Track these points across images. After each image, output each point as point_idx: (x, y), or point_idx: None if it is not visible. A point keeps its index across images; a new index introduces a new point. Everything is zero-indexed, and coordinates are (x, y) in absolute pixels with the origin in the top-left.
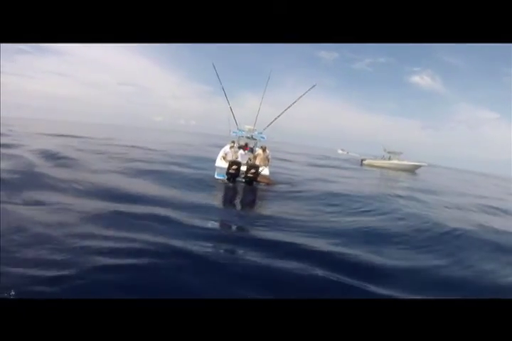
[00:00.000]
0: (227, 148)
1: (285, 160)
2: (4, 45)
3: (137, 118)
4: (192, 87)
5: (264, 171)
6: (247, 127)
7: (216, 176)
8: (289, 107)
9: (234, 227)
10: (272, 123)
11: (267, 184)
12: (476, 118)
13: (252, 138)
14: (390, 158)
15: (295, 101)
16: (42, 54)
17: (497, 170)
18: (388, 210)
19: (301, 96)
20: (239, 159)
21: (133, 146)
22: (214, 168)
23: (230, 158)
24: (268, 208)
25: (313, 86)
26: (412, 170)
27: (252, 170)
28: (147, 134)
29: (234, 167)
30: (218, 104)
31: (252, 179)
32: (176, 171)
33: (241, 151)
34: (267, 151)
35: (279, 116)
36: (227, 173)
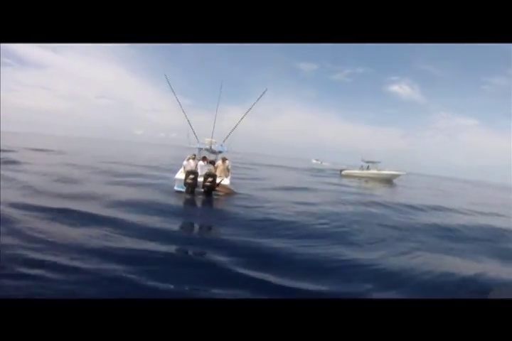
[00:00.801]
0: (185, 161)
1: (249, 168)
2: None
3: (117, 131)
4: (172, 100)
5: (224, 181)
6: (207, 140)
7: (175, 188)
8: (243, 117)
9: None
10: (229, 135)
11: (227, 194)
12: (456, 126)
13: (210, 150)
14: (368, 168)
15: (248, 110)
16: (22, 66)
17: (476, 176)
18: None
19: (254, 104)
20: (198, 170)
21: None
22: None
23: (209, 169)
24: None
25: (265, 91)
26: (390, 180)
27: (209, 179)
28: (127, 147)
29: (191, 177)
30: (199, 116)
31: (210, 188)
32: (140, 182)
33: (200, 162)
34: (227, 162)
35: (235, 128)
36: (185, 183)
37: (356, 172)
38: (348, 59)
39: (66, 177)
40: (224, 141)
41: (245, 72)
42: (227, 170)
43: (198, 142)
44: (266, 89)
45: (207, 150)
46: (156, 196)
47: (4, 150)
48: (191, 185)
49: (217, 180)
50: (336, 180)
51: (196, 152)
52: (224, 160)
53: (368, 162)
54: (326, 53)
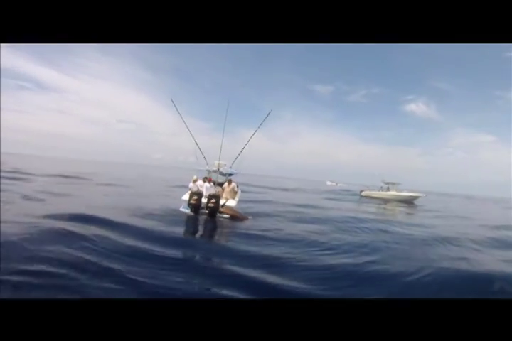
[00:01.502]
0: (191, 183)
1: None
2: (4, 81)
3: (137, 155)
4: (191, 123)
5: (230, 203)
6: (217, 162)
7: (181, 209)
8: (250, 139)
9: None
10: (237, 157)
11: (232, 216)
12: (473, 143)
13: (219, 172)
14: (388, 189)
15: (255, 132)
16: (42, 91)
17: (498, 193)
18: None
19: (259, 126)
20: (204, 191)
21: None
22: None
23: (211, 191)
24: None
25: (269, 113)
26: (410, 201)
27: (213, 200)
28: (146, 170)
29: (194, 197)
30: (218, 140)
31: (214, 209)
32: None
33: (206, 184)
34: (233, 184)
35: (242, 150)
36: (189, 204)
37: (376, 193)
38: (362, 79)
39: None
40: (233, 163)
41: (262, 95)
42: (234, 191)
43: (208, 164)
44: (270, 111)
45: (214, 172)
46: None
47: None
48: (194, 206)
49: (221, 202)
50: (351, 205)
51: (205, 174)
52: (230, 182)
53: (387, 183)
54: (341, 74)
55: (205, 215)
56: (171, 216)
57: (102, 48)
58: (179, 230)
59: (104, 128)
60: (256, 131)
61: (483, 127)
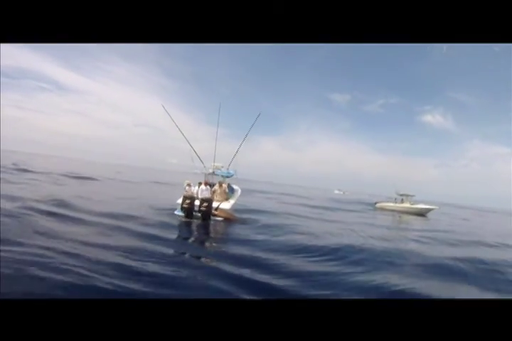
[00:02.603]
0: (202, 186)
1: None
2: (21, 82)
3: (153, 159)
4: (208, 129)
5: (224, 205)
6: (214, 165)
7: (175, 212)
8: (243, 141)
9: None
10: (233, 159)
11: (226, 218)
12: (489, 154)
13: (213, 174)
14: (402, 201)
15: (247, 134)
16: (61, 92)
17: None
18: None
19: (250, 128)
20: (199, 194)
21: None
22: None
23: (203, 195)
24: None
25: (259, 115)
26: (423, 213)
27: (205, 204)
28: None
29: (187, 201)
30: (234, 145)
31: (206, 212)
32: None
33: (202, 187)
34: (224, 186)
35: (237, 152)
36: (182, 208)
37: (390, 205)
38: (380, 89)
39: None
40: (229, 166)
41: (279, 104)
42: (225, 193)
43: (205, 167)
44: (259, 114)
45: (210, 174)
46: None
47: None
48: (187, 210)
49: (215, 205)
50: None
51: (203, 177)
52: (221, 184)
53: (401, 195)
54: (359, 83)
55: (199, 219)
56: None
57: (123, 53)
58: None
59: (121, 131)
60: (247, 135)
61: (499, 139)
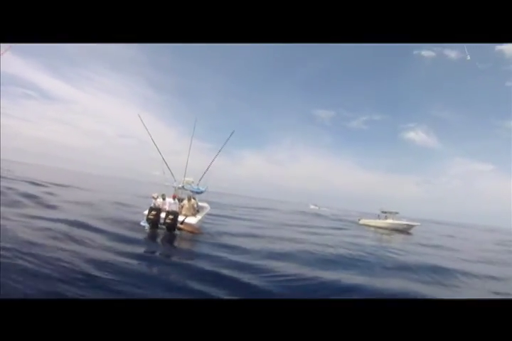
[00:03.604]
0: (170, 199)
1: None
2: (7, 88)
3: (136, 171)
4: (189, 142)
5: (190, 220)
6: (186, 179)
7: (141, 223)
8: (216, 156)
9: None
10: (204, 174)
11: (190, 232)
12: (471, 171)
13: (183, 188)
14: (386, 218)
15: (220, 150)
16: (46, 100)
17: (495, 222)
18: None
19: (223, 145)
20: (167, 207)
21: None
22: None
23: (171, 208)
24: None
25: (232, 132)
26: (406, 230)
27: (170, 216)
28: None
29: (152, 213)
30: (218, 160)
31: (171, 225)
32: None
33: (170, 200)
34: (192, 200)
35: (208, 168)
36: (147, 219)
37: (372, 221)
38: (365, 106)
39: None
40: (200, 181)
41: (263, 118)
42: (193, 208)
43: (175, 181)
44: (233, 131)
45: (180, 188)
46: None
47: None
48: (153, 221)
49: (180, 219)
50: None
51: (172, 190)
52: (189, 198)
53: (385, 212)
54: (344, 100)
55: (163, 230)
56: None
57: (110, 63)
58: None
59: (105, 142)
60: (220, 150)
61: (481, 156)
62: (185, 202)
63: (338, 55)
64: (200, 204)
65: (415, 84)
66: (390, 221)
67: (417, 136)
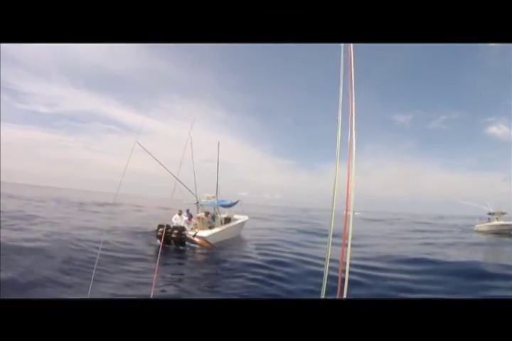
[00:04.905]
0: (176, 215)
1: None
2: (90, 125)
3: (223, 193)
4: (274, 161)
5: (202, 233)
6: (206, 195)
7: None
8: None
9: None
10: (217, 188)
11: (201, 245)
12: None
13: (198, 204)
14: (497, 219)
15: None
16: (126, 132)
17: None
18: None
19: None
20: (182, 223)
21: None
22: None
23: (176, 223)
24: None
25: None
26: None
27: (175, 231)
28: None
29: (160, 229)
30: (302, 175)
31: (176, 239)
32: None
33: (176, 216)
34: (209, 216)
35: (217, 182)
36: (157, 235)
37: (487, 225)
38: (440, 105)
39: None
40: (217, 195)
41: (342, 127)
42: (208, 222)
43: (197, 198)
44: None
45: (195, 204)
46: None
47: None
48: (159, 237)
49: (191, 233)
50: None
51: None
52: (206, 214)
53: (492, 214)
54: (419, 101)
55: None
56: None
57: (183, 92)
58: None
59: (187, 167)
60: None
61: None
62: (203, 215)
63: (404, 56)
64: (236, 216)
65: (486, 76)
66: (501, 222)
67: (498, 130)
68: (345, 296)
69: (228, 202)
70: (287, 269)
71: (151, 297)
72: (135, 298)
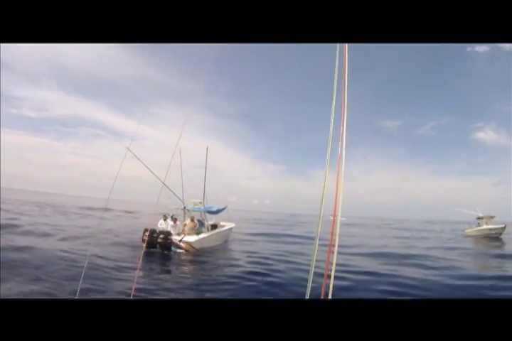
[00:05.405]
0: (161, 220)
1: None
2: (79, 130)
3: (212, 199)
4: (263, 166)
5: (188, 238)
6: (193, 201)
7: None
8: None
9: None
10: (204, 196)
11: (186, 250)
12: None
13: (185, 209)
14: (487, 223)
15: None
16: (116, 138)
17: None
18: None
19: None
20: (168, 228)
21: None
22: None
23: (162, 228)
24: None
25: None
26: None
27: (161, 236)
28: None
29: (146, 234)
30: (292, 181)
31: (162, 244)
32: None
33: (161, 221)
34: (195, 221)
35: (205, 188)
36: (142, 239)
37: (477, 229)
38: (429, 111)
39: None
40: (204, 201)
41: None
42: (195, 227)
43: (183, 203)
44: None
45: (181, 209)
46: None
47: None
48: (144, 241)
49: (178, 238)
50: None
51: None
52: (192, 219)
53: (480, 218)
54: (408, 108)
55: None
56: None
57: (176, 99)
58: None
59: (177, 173)
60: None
61: None
62: (188, 221)
63: (393, 63)
64: (222, 223)
65: (475, 82)
66: (489, 226)
67: (486, 135)
68: (330, 297)
69: (215, 209)
70: (278, 274)
71: (132, 296)
72: (133, 298)
